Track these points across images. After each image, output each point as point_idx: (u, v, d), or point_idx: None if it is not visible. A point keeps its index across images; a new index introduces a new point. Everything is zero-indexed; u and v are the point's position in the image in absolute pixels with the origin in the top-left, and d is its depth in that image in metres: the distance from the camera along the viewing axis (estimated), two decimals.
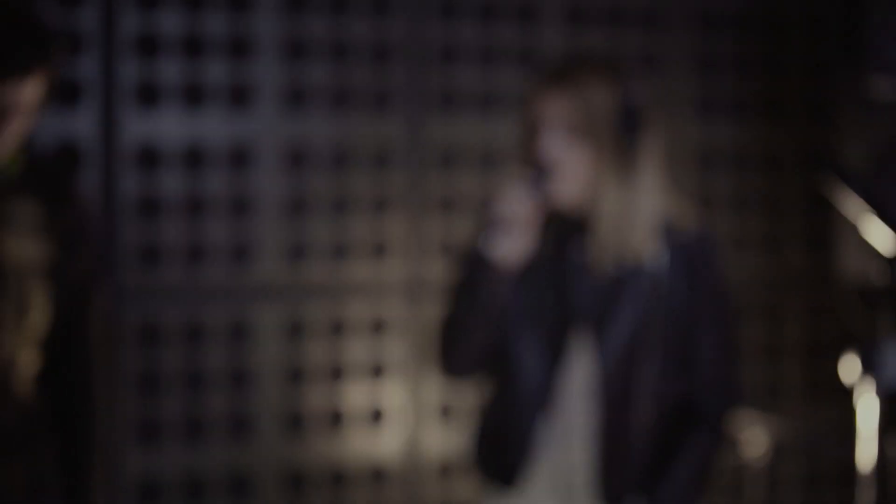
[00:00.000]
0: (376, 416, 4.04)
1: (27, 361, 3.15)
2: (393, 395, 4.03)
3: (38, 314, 3.13)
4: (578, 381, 3.11)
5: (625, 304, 3.08)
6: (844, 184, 3.02)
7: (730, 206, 4.37)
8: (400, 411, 4.04)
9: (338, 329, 3.98)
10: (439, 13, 4.03)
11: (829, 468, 4.44)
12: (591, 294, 3.07)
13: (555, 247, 3.08)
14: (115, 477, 3.81)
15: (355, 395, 4.00)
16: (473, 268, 3.00)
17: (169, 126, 3.78)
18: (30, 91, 2.94)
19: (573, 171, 2.99)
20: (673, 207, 3.11)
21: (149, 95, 3.77)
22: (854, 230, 3.58)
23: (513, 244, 2.96)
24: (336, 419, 4.01)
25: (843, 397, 3.12)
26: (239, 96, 3.85)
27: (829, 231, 4.34)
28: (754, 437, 4.01)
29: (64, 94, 3.68)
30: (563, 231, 3.07)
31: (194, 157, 3.82)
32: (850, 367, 2.93)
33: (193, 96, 3.81)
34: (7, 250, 3.08)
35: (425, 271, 4.01)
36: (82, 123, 3.70)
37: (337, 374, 4.00)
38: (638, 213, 3.04)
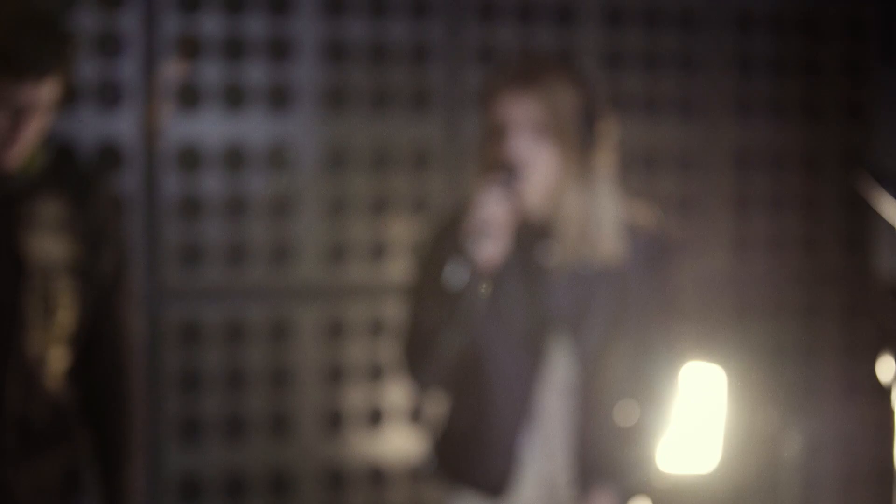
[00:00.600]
0: (415, 415, 4.07)
1: (56, 358, 3.19)
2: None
3: (66, 312, 3.17)
4: (556, 383, 3.12)
5: (596, 304, 3.08)
6: (881, 184, 3.03)
7: (767, 206, 4.39)
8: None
9: (377, 329, 4.00)
10: (477, 15, 4.05)
11: (866, 467, 4.45)
12: (563, 296, 3.08)
13: (522, 251, 3.08)
14: (157, 474, 3.85)
15: (394, 395, 4.03)
16: (458, 272, 2.95)
17: (210, 127, 3.81)
18: (46, 92, 2.97)
19: (541, 171, 2.98)
20: (630, 207, 3.12)
21: (190, 97, 3.80)
22: (891, 230, 3.60)
23: (493, 247, 2.95)
24: (375, 418, 4.04)
25: (880, 396, 3.14)
26: (279, 98, 3.88)
27: (865, 231, 4.35)
28: (790, 437, 4.03)
29: (105, 96, 3.71)
30: (529, 234, 3.07)
31: (235, 158, 3.85)
32: (886, 367, 2.94)
33: (234, 98, 3.83)
34: (33, 250, 3.11)
35: None
36: (124, 125, 3.73)
37: (376, 373, 4.02)
38: (601, 213, 3.04)
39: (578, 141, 2.98)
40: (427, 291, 3.09)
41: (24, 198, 3.13)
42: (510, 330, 3.09)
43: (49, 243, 3.16)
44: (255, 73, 3.84)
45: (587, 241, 3.05)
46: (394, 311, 3.98)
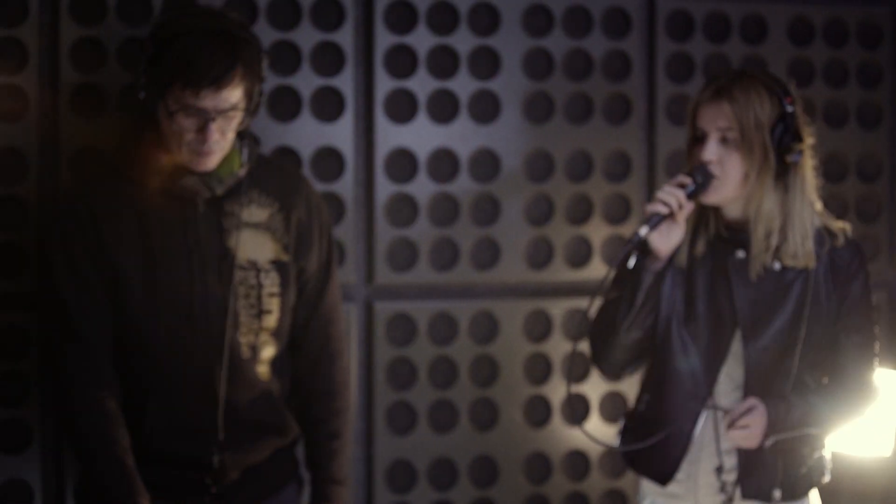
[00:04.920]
0: (621, 407, 4.13)
1: (266, 351, 3.30)
2: (630, 388, 4.11)
3: (274, 306, 3.27)
4: (731, 378, 3.22)
5: (782, 303, 3.18)
6: None
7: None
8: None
9: (578, 325, 4.05)
10: (672, 30, 4.15)
11: None
12: (749, 295, 3.18)
13: (715, 250, 3.22)
14: (369, 462, 3.97)
15: (596, 388, 4.12)
16: (634, 257, 3.15)
17: (421, 136, 3.93)
18: (229, 98, 3.07)
19: (730, 174, 3.13)
20: (822, 215, 3.22)
21: (402, 107, 3.93)
22: None
23: (667, 235, 3.12)
24: (577, 408, 4.12)
25: None
26: (485, 108, 4.00)
27: None
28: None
29: (326, 106, 3.86)
30: (724, 235, 3.22)
31: (444, 165, 3.98)
32: None
33: (444, 108, 3.96)
34: (241, 246, 3.23)
35: None
36: (342, 132, 3.87)
37: (576, 366, 4.08)
38: (795, 216, 3.16)
39: (770, 147, 3.13)
40: (614, 277, 3.27)
41: (230, 198, 3.24)
42: (697, 325, 3.22)
43: (256, 240, 3.27)
44: (463, 84, 3.96)
45: (780, 244, 3.17)
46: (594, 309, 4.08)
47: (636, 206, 4.13)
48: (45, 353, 3.61)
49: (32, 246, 3.65)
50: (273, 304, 3.28)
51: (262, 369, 3.33)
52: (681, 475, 3.27)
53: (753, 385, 3.18)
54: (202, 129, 3.09)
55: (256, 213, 3.28)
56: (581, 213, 4.10)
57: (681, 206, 3.12)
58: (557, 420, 4.09)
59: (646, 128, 4.15)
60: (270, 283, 3.28)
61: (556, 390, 4.09)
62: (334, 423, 3.44)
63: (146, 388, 3.27)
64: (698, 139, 3.19)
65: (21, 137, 3.65)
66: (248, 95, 3.14)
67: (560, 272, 4.08)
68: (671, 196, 3.12)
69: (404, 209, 3.96)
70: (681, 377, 3.22)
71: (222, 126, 3.11)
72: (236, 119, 3.14)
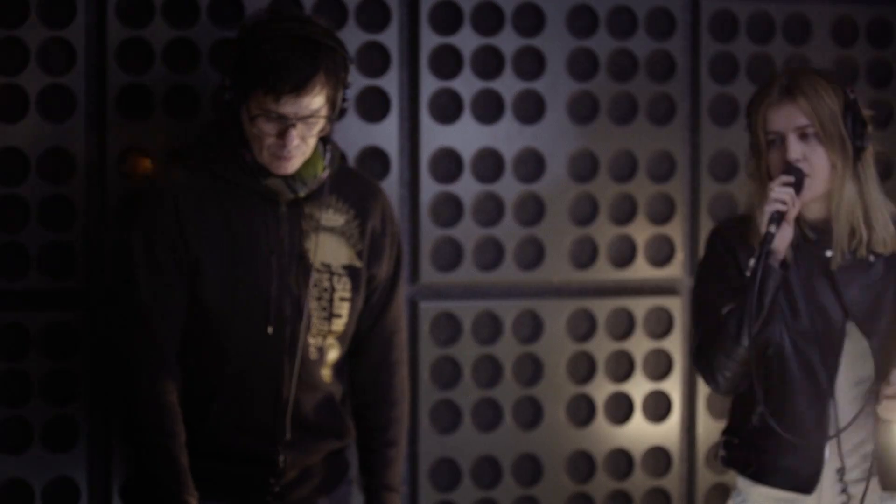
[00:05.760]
0: (665, 407, 4.17)
1: (331, 353, 3.33)
2: (673, 388, 4.16)
3: (344, 310, 3.30)
4: (849, 377, 3.23)
5: (884, 292, 3.21)
6: None
7: None
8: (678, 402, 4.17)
9: (623, 325, 4.11)
10: (714, 32, 4.14)
11: None
12: (855, 290, 3.20)
13: (806, 248, 3.24)
14: (414, 460, 3.98)
15: (639, 387, 4.13)
16: (757, 262, 3.12)
17: (465, 136, 3.94)
18: (308, 104, 3.09)
19: (817, 171, 3.16)
20: (890, 203, 3.25)
21: (447, 107, 3.95)
22: None
23: (782, 235, 3.13)
24: (622, 408, 4.13)
25: None
26: (530, 108, 4.01)
27: None
28: None
29: (372, 106, 3.88)
30: (809, 237, 3.24)
31: (489, 165, 3.99)
32: None
33: (488, 108, 3.97)
34: (317, 249, 3.26)
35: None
36: (387, 132, 3.89)
37: (621, 365, 4.12)
38: (873, 206, 3.19)
39: (846, 136, 3.16)
40: (716, 287, 3.26)
41: (311, 201, 3.27)
42: (804, 327, 3.22)
43: (331, 244, 3.30)
44: (508, 84, 3.97)
45: (864, 234, 3.20)
46: (638, 308, 4.10)
47: (680, 206, 4.13)
48: (101, 348, 3.66)
49: (80, 245, 3.68)
50: (343, 309, 3.31)
51: (326, 372, 3.36)
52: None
53: (885, 373, 3.17)
54: (282, 135, 3.12)
55: (334, 217, 3.31)
56: (625, 212, 4.11)
57: (794, 204, 3.13)
58: (601, 419, 4.10)
59: (690, 128, 4.15)
60: (342, 287, 3.30)
61: (600, 389, 4.10)
62: (392, 432, 3.47)
63: (214, 384, 3.30)
64: (771, 143, 3.21)
65: (68, 138, 3.68)
66: (331, 102, 3.16)
67: (604, 272, 4.09)
68: (786, 194, 3.13)
69: (449, 209, 3.98)
70: (799, 382, 3.22)
71: (303, 132, 3.13)
72: (318, 125, 3.16)
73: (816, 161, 3.17)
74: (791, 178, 3.15)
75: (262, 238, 3.24)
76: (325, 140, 3.28)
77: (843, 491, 3.25)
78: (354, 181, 3.42)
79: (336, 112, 3.19)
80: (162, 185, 3.30)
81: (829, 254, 3.22)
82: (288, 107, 3.09)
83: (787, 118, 3.18)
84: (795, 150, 3.17)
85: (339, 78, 3.16)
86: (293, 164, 3.19)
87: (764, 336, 3.21)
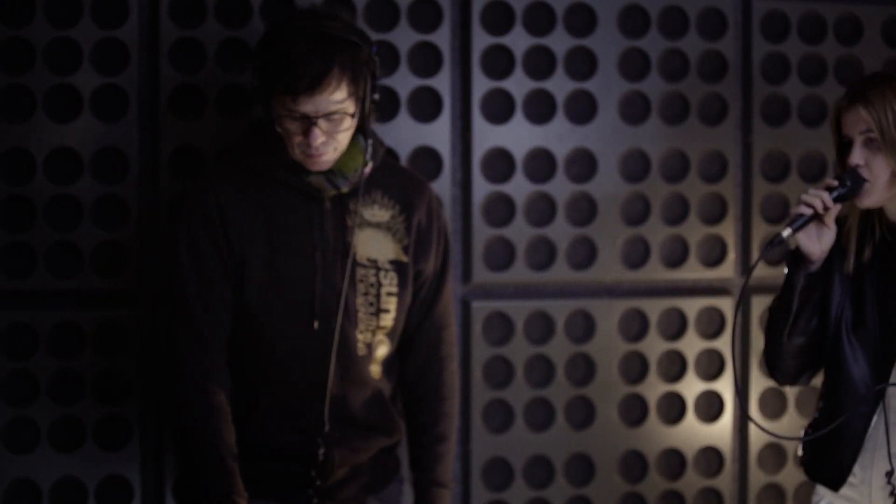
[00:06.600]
0: (717, 407, 4.16)
1: (380, 349, 3.33)
2: (725, 388, 4.14)
3: (392, 307, 3.30)
4: None
5: None
6: None
7: None
8: (730, 402, 4.16)
9: (675, 325, 4.11)
10: (766, 34, 4.13)
11: None
12: None
13: (881, 255, 3.23)
14: (466, 459, 3.98)
15: (691, 387, 4.12)
16: (786, 262, 3.18)
17: (517, 136, 3.95)
18: (327, 100, 3.06)
19: (877, 176, 3.15)
20: None
21: (499, 107, 3.95)
22: None
23: (816, 238, 3.15)
24: (674, 408, 4.13)
25: None
26: (582, 108, 4.01)
27: None
28: None
29: (424, 106, 3.89)
30: (889, 239, 3.22)
31: (541, 165, 3.99)
32: None
33: (540, 108, 3.98)
34: (363, 245, 3.26)
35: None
36: (440, 132, 3.89)
37: (673, 365, 4.12)
38: None
39: None
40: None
41: (354, 196, 3.26)
42: (867, 330, 3.21)
43: (377, 239, 3.30)
44: (559, 85, 3.97)
45: None
46: (689, 307, 4.10)
47: (732, 206, 4.13)
48: (152, 347, 3.68)
49: (133, 244, 3.70)
50: (391, 304, 3.31)
51: (375, 368, 3.36)
52: (855, 480, 3.27)
53: None
54: (307, 133, 3.11)
55: (379, 213, 3.31)
56: (677, 212, 4.10)
57: (826, 209, 3.14)
58: (653, 419, 4.10)
59: (741, 128, 4.14)
60: (389, 282, 3.30)
61: (652, 389, 4.10)
62: (441, 427, 3.46)
63: (260, 382, 3.31)
64: (845, 145, 3.23)
65: (122, 137, 3.70)
66: (355, 96, 3.13)
67: (656, 271, 4.09)
68: (815, 198, 3.14)
69: (501, 209, 3.98)
70: (853, 382, 3.22)
71: (328, 128, 3.12)
72: (343, 121, 3.13)
73: (876, 168, 3.17)
74: (835, 183, 3.16)
75: (305, 234, 3.24)
76: (365, 134, 3.27)
77: (892, 493, 3.23)
78: (399, 176, 3.42)
79: (366, 106, 3.17)
80: (204, 184, 3.31)
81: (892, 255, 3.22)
82: (307, 105, 3.07)
83: (853, 123, 3.19)
84: (857, 155, 3.18)
85: (359, 72, 3.13)
86: (325, 161, 3.18)
87: (810, 334, 3.24)
